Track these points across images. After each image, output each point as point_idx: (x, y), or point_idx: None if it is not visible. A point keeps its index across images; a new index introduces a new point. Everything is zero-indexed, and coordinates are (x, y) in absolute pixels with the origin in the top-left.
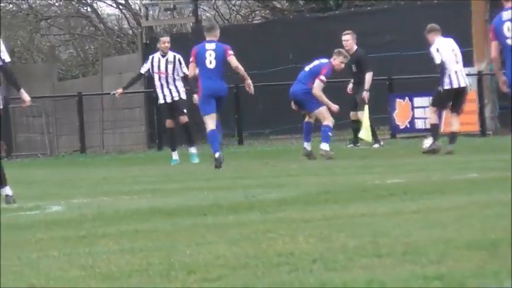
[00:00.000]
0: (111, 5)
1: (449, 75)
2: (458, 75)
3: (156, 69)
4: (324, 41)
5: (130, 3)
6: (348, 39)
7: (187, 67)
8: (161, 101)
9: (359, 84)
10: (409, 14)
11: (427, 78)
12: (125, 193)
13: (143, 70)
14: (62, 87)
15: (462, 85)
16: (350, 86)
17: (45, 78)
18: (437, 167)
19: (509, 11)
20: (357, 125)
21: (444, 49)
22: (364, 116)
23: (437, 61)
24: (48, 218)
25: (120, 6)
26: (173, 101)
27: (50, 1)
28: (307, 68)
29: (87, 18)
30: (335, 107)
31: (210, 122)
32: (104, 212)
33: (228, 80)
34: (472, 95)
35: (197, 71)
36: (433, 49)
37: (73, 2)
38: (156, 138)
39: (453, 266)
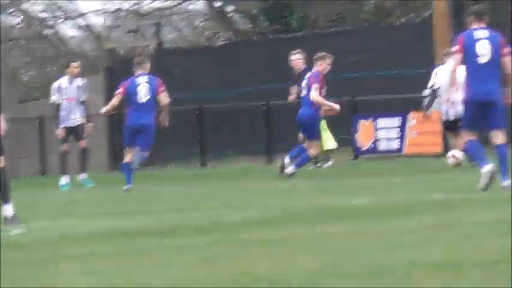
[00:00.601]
0: (73, 27)
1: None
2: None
3: (64, 95)
4: (287, 62)
5: (93, 25)
6: (298, 58)
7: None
8: (65, 124)
9: None
10: (372, 36)
11: (391, 99)
12: (87, 215)
13: (53, 99)
14: (23, 110)
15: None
16: (293, 96)
17: (6, 100)
18: (402, 188)
19: (482, 31)
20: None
21: (443, 75)
22: (322, 128)
23: (429, 85)
24: (10, 241)
25: (83, 28)
26: (76, 125)
27: (11, 23)
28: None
29: (49, 41)
30: (337, 106)
31: (128, 155)
32: (66, 234)
33: (191, 102)
34: (436, 115)
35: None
36: (434, 72)
37: (35, 25)
38: (118, 159)
39: (417, 287)
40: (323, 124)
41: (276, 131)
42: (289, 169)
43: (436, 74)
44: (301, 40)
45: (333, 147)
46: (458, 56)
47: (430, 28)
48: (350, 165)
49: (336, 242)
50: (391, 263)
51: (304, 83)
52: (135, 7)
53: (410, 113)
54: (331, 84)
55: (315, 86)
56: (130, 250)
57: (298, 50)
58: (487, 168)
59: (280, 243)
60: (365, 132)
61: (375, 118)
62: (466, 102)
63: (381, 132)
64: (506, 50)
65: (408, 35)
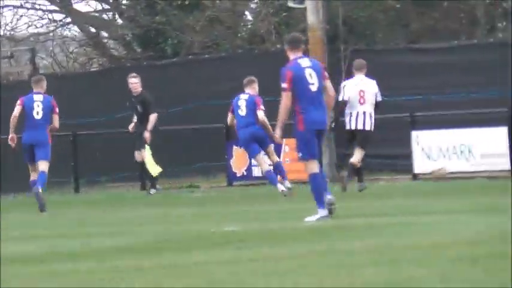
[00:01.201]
0: None
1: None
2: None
3: None
4: (160, 88)
5: None
6: (135, 82)
7: None
8: None
9: (142, 124)
10: (247, 62)
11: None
12: None
13: None
14: None
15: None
16: (132, 125)
17: None
18: (275, 215)
19: (304, 59)
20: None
21: (351, 88)
22: (146, 154)
23: (339, 98)
24: None
25: None
26: None
27: None
28: (243, 112)
29: None
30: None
31: (32, 173)
32: None
33: (63, 128)
34: None
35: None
36: (342, 85)
37: None
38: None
39: None
40: (148, 149)
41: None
42: (286, 185)
43: (344, 87)
44: (175, 66)
45: (154, 173)
46: (289, 93)
47: (306, 54)
48: (224, 192)
49: (208, 269)
50: None
51: (244, 106)
52: (11, 33)
53: (284, 139)
54: (206, 111)
55: (261, 109)
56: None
57: (135, 74)
58: (323, 212)
59: (153, 271)
60: (238, 159)
61: None
62: (303, 132)
63: None
64: (326, 74)
65: (283, 61)
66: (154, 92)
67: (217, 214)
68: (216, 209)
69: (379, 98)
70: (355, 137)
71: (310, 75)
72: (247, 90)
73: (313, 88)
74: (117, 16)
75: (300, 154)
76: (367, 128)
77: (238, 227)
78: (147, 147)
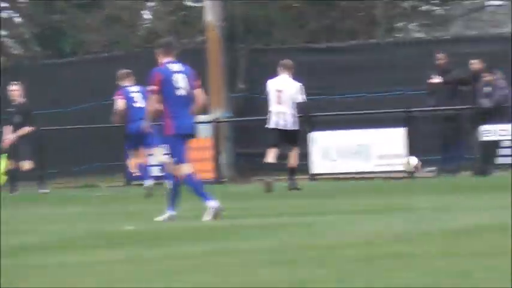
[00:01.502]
0: None
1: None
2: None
3: None
4: (58, 87)
5: None
6: (15, 89)
7: None
8: None
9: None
10: (144, 61)
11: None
12: None
13: None
14: None
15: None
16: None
17: None
18: (178, 214)
19: (176, 64)
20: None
21: (270, 87)
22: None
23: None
24: None
25: None
26: None
27: None
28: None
29: None
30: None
31: None
32: None
33: None
34: (208, 142)
35: None
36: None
37: None
38: None
39: None
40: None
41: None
42: None
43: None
44: (74, 65)
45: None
46: (156, 96)
47: (203, 55)
48: (122, 192)
49: (108, 269)
50: None
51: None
52: None
53: None
54: (104, 110)
55: None
56: None
57: (17, 82)
58: (213, 204)
59: (54, 269)
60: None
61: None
62: (172, 137)
63: (152, 158)
64: (197, 82)
65: (182, 60)
66: (53, 91)
67: (116, 213)
68: (115, 208)
69: (300, 99)
70: (280, 136)
71: (179, 79)
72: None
73: (182, 92)
74: (15, 15)
75: (175, 157)
76: (289, 127)
77: (137, 226)
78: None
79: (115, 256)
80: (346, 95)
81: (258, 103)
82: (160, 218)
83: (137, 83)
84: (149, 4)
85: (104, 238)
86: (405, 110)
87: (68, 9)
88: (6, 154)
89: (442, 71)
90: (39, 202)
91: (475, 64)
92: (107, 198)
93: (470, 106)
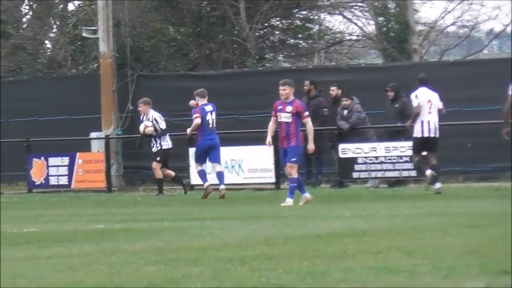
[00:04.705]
0: None
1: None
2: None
3: None
4: None
5: None
6: None
7: None
8: None
9: None
10: (45, 85)
11: (61, 141)
12: None
13: None
14: None
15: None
16: None
17: None
18: (69, 218)
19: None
20: None
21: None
22: None
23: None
24: None
25: None
26: None
27: None
28: (213, 118)
29: None
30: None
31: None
32: None
33: None
34: (100, 156)
35: None
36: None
37: None
38: None
39: None
40: None
41: None
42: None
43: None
44: None
45: None
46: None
47: (97, 79)
48: (24, 198)
49: (10, 265)
50: (59, 284)
51: (214, 115)
52: None
53: (78, 153)
54: (10, 127)
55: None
56: None
57: None
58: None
59: None
60: (37, 169)
61: (47, 157)
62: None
63: (52, 169)
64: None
65: (80, 85)
66: None
67: (18, 217)
68: (15, 212)
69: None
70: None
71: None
72: None
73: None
74: None
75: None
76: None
77: (37, 228)
78: None
79: (17, 254)
80: (222, 116)
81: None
82: (285, 204)
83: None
84: (50, 35)
85: (7, 238)
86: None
87: None
88: None
89: (307, 97)
90: None
91: (334, 91)
92: (11, 204)
93: (330, 127)
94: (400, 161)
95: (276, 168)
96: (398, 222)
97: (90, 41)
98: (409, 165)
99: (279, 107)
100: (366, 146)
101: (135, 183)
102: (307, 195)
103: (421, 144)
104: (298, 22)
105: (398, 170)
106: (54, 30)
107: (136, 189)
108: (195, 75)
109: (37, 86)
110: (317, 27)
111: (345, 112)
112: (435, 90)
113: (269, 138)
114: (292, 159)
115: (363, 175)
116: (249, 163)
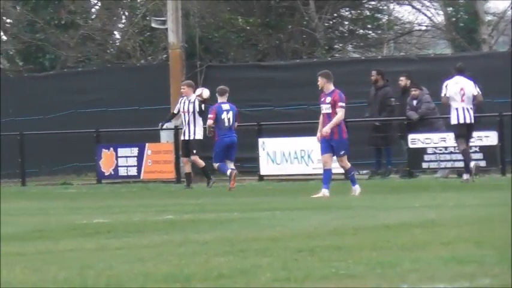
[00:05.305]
0: None
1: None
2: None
3: None
4: (39, 97)
5: None
6: None
7: None
8: None
9: None
10: (114, 75)
11: (130, 132)
12: None
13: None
14: None
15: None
16: None
17: None
18: (138, 209)
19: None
20: None
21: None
22: None
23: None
24: None
25: None
26: None
27: None
28: (229, 117)
29: None
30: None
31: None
32: None
33: None
34: (169, 146)
35: None
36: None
37: None
38: None
39: None
40: None
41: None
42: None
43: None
44: (53, 78)
45: None
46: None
47: (166, 70)
48: (94, 188)
49: (80, 256)
50: (128, 275)
51: (230, 113)
52: None
53: (147, 144)
54: (78, 117)
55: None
56: None
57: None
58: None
59: (31, 256)
60: (106, 160)
61: (116, 148)
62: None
63: (121, 160)
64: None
65: (148, 75)
66: (34, 100)
67: (88, 208)
68: (87, 203)
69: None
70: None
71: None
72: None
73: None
74: (1, 33)
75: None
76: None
77: (106, 219)
78: None
79: (86, 245)
80: (290, 107)
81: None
82: (316, 195)
83: (109, 95)
84: (119, 26)
85: (77, 229)
86: (343, 120)
87: (48, 28)
88: None
89: (375, 87)
90: (22, 197)
91: (403, 81)
92: (80, 194)
93: (399, 118)
94: (470, 151)
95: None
96: (467, 213)
97: (159, 31)
98: (479, 155)
99: (321, 99)
100: (435, 136)
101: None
102: (326, 191)
103: (460, 129)
104: (367, 12)
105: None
106: (123, 20)
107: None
108: (264, 65)
109: (106, 76)
110: (386, 17)
111: (414, 102)
112: (471, 78)
113: (319, 134)
114: (341, 153)
115: (432, 165)
116: (318, 154)
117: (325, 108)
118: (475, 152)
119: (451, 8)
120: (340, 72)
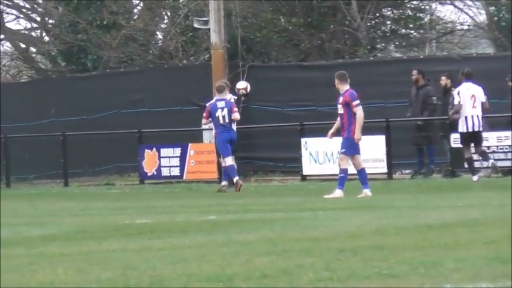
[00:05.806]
0: None
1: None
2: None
3: None
4: (82, 97)
5: None
6: None
7: None
8: None
9: None
10: (156, 76)
11: (173, 132)
12: None
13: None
14: None
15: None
16: None
17: None
18: (181, 210)
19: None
20: None
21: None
22: None
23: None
24: None
25: None
26: None
27: None
28: (224, 115)
29: None
30: None
31: None
32: None
33: None
34: (212, 146)
35: None
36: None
37: None
38: None
39: None
40: None
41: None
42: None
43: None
44: (95, 78)
45: None
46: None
47: (209, 70)
48: (136, 189)
49: (123, 256)
50: (171, 275)
51: (226, 110)
52: None
53: (190, 144)
54: (121, 118)
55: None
56: None
57: None
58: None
59: (74, 257)
60: (149, 160)
61: (158, 148)
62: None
63: (163, 160)
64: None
65: (188, 76)
66: (77, 101)
67: (131, 208)
68: (130, 203)
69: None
70: None
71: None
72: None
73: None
74: (44, 34)
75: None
76: None
77: (149, 219)
78: None
79: (129, 246)
80: (332, 106)
81: (254, 113)
82: (329, 196)
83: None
84: (161, 26)
85: (120, 230)
86: (385, 119)
87: (90, 29)
88: None
89: (416, 86)
90: (64, 197)
91: (444, 80)
92: (123, 195)
93: (441, 117)
94: (487, 151)
95: (388, 158)
96: (509, 212)
97: (202, 31)
98: (510, 155)
99: (337, 100)
100: None
101: (247, 173)
102: (367, 191)
103: (467, 138)
104: (409, 12)
105: (510, 159)
106: (166, 21)
107: (248, 179)
108: (306, 65)
109: (148, 77)
110: (428, 17)
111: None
112: (479, 84)
113: (330, 131)
114: (341, 151)
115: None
116: (362, 153)
117: (340, 109)
118: (504, 152)
119: (493, 7)
120: (382, 72)
